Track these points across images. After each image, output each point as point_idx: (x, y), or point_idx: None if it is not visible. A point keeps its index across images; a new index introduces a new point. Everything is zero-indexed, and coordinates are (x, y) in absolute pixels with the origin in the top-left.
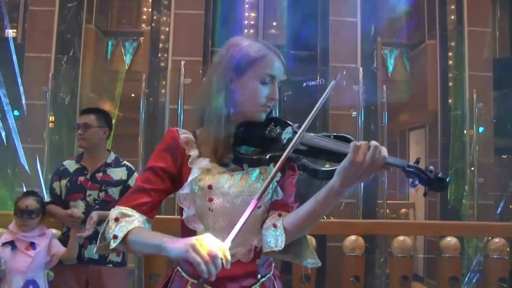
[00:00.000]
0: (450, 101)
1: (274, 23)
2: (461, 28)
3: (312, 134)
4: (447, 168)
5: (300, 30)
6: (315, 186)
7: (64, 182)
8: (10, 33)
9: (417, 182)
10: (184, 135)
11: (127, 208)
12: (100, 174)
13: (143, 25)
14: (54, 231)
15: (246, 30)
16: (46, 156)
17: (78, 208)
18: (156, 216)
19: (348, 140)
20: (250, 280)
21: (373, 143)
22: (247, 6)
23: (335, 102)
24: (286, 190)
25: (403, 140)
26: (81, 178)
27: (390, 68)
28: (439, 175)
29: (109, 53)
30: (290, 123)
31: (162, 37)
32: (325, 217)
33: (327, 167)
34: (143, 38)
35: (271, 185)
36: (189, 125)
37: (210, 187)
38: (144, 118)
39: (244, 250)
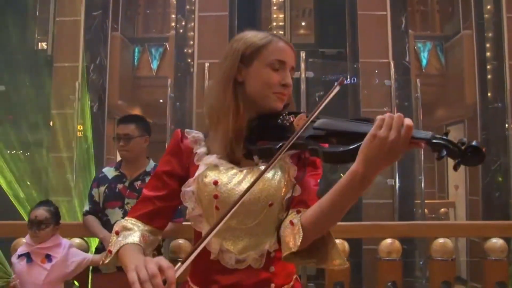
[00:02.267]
0: (489, 93)
1: (302, 23)
2: (499, 16)
3: (327, 118)
4: (490, 164)
5: (329, 27)
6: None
7: (102, 188)
8: (42, 45)
9: (444, 153)
10: (193, 134)
11: (131, 219)
12: (139, 183)
13: (169, 30)
14: (77, 240)
15: (274, 32)
16: (75, 164)
17: (115, 216)
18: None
19: (368, 121)
20: None
21: (396, 114)
22: (274, 7)
23: (367, 99)
24: (306, 187)
25: None
26: (120, 186)
27: (424, 62)
28: (473, 143)
29: (135, 60)
30: (304, 112)
31: (187, 41)
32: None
33: (341, 148)
34: (168, 43)
35: (283, 180)
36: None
37: (215, 183)
38: (172, 124)
39: (256, 255)
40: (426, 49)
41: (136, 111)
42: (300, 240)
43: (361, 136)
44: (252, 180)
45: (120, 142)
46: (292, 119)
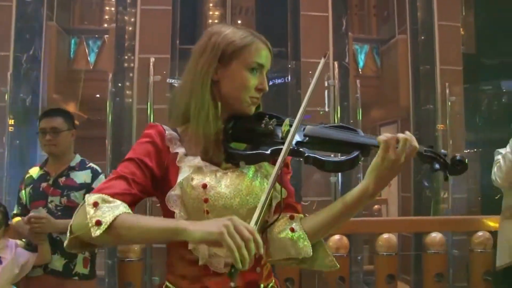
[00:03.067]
0: (421, 96)
1: (242, 20)
2: (431, 22)
3: (313, 125)
4: (421, 163)
5: (270, 26)
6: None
7: (28, 189)
8: None
9: (437, 166)
10: (169, 131)
11: (104, 195)
12: (63, 179)
13: (108, 23)
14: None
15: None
16: (6, 161)
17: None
18: None
19: (350, 129)
20: None
21: (401, 136)
22: (212, 5)
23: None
24: (288, 190)
25: None
26: (44, 184)
27: (361, 64)
28: (458, 157)
29: (72, 52)
30: (283, 118)
31: (128, 34)
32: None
33: (333, 157)
34: (108, 36)
35: (265, 182)
36: (161, 123)
37: (204, 186)
38: (111, 120)
39: None
40: (363, 51)
41: (72, 106)
42: (310, 249)
43: (347, 146)
44: (240, 183)
45: (46, 136)
46: (274, 123)
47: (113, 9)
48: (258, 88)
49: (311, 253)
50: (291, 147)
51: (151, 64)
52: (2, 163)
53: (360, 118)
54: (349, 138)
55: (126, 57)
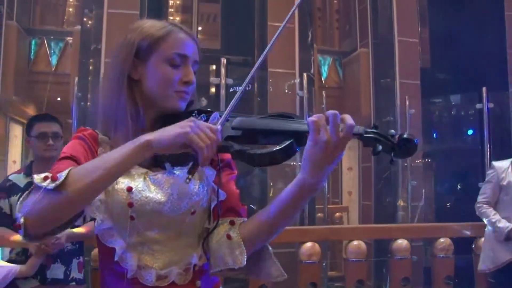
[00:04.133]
0: (382, 107)
1: (207, 27)
2: (392, 37)
3: (244, 116)
4: (381, 172)
5: (236, 34)
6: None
7: (15, 198)
8: None
9: (380, 148)
10: (101, 135)
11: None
12: None
13: (71, 25)
14: None
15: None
16: None
17: None
18: None
19: (287, 117)
20: None
21: (330, 113)
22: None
23: (274, 108)
24: (229, 192)
25: None
26: None
27: (324, 75)
28: (405, 135)
29: (32, 53)
30: (215, 111)
31: (94, 37)
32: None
33: (262, 149)
34: (71, 38)
35: (202, 185)
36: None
37: (129, 189)
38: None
39: (180, 269)
40: (326, 63)
41: (31, 108)
42: (245, 257)
43: (282, 136)
44: (171, 186)
45: (49, 141)
46: (203, 119)
47: (73, 10)
48: (183, 81)
49: (245, 263)
50: (219, 143)
51: None
52: None
53: None
54: (281, 126)
55: (92, 60)
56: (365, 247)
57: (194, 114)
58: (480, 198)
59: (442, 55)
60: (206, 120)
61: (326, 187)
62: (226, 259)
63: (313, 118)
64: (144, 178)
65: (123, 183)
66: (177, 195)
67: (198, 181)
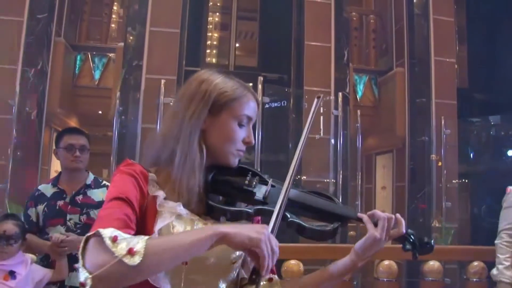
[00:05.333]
0: (417, 127)
1: (245, 44)
2: (428, 57)
3: (297, 190)
4: (416, 192)
5: (272, 52)
6: None
7: (41, 207)
8: None
9: (408, 247)
10: (150, 173)
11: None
12: (80, 197)
13: (114, 41)
14: (29, 255)
15: (215, 51)
16: (10, 173)
17: (57, 234)
18: None
19: (330, 199)
20: None
21: (387, 217)
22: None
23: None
24: None
25: (369, 164)
26: (60, 203)
27: (360, 94)
28: (425, 239)
29: (77, 68)
30: (265, 176)
31: (136, 54)
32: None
33: (314, 224)
34: (114, 54)
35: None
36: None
37: None
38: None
39: None
40: (362, 82)
41: (73, 121)
42: None
43: (326, 215)
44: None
45: (76, 153)
46: (256, 183)
47: (115, 26)
48: (245, 141)
49: None
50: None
51: (162, 85)
52: (6, 174)
53: (360, 146)
54: (331, 208)
55: (133, 76)
56: (396, 267)
57: (248, 175)
58: (503, 225)
59: (481, 75)
60: (261, 184)
61: (360, 205)
62: None
63: (373, 226)
64: (195, 225)
65: (178, 227)
66: (221, 248)
67: None
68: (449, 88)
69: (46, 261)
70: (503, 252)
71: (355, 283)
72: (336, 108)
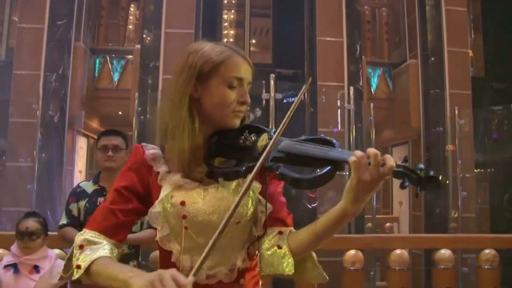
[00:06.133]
0: (432, 118)
1: (259, 41)
2: (441, 48)
3: (289, 140)
4: None
5: (286, 48)
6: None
7: (82, 203)
8: None
9: (407, 183)
10: (151, 151)
11: (94, 232)
12: None
13: (132, 43)
14: (56, 251)
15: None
16: (36, 174)
17: None
18: None
19: (328, 143)
20: None
21: (372, 153)
22: (228, 25)
23: (323, 120)
24: (276, 202)
25: None
26: (101, 199)
27: (374, 86)
28: (431, 173)
29: (96, 71)
30: (266, 129)
31: (152, 55)
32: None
33: (309, 175)
34: (131, 56)
35: (249, 197)
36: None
37: (182, 203)
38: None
39: (226, 270)
40: (376, 75)
41: (95, 122)
42: (293, 267)
43: (322, 162)
44: (220, 198)
45: (109, 152)
46: (253, 138)
47: (132, 28)
48: (239, 101)
49: (293, 271)
50: (265, 164)
51: None
52: (32, 176)
53: (374, 138)
54: (322, 154)
55: (151, 77)
56: (407, 255)
57: (245, 134)
58: None
59: (498, 64)
60: (257, 139)
61: (375, 197)
62: (276, 266)
63: (354, 158)
64: (196, 192)
65: (176, 197)
66: (224, 207)
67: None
68: (463, 78)
69: None
70: None
71: (372, 273)
72: (348, 102)
